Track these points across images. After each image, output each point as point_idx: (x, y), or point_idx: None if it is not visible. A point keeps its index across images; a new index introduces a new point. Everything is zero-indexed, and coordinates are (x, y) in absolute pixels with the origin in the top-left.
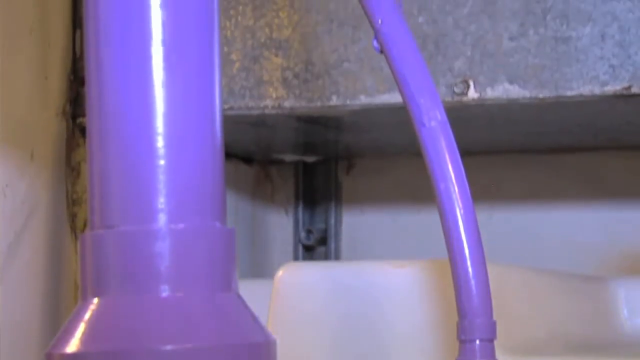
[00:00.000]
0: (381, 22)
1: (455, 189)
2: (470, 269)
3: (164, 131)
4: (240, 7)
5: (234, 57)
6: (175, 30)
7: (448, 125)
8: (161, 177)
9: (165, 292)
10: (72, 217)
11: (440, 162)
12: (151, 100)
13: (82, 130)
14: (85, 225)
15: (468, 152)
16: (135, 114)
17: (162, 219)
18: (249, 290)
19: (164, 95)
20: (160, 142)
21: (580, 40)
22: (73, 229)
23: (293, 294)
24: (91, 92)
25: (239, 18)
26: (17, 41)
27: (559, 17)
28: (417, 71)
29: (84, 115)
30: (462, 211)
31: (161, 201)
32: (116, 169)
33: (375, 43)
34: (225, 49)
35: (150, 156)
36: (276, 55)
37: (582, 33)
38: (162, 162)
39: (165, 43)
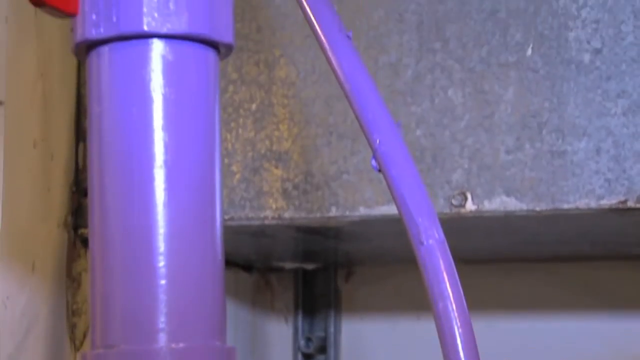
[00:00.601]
0: (379, 142)
1: (454, 308)
2: None
3: (164, 251)
4: (241, 120)
5: (234, 168)
6: (176, 151)
7: (446, 244)
8: (162, 297)
9: None
10: (72, 327)
11: (439, 281)
12: (152, 220)
13: (84, 241)
14: (84, 336)
15: (467, 261)
16: (137, 234)
17: (162, 338)
18: None
19: (165, 215)
20: (161, 262)
21: (576, 155)
22: (72, 339)
23: None
24: (93, 213)
25: (240, 130)
26: (22, 155)
27: (554, 132)
28: (415, 190)
29: (85, 226)
30: (460, 330)
31: (162, 320)
32: (117, 289)
33: (373, 162)
34: (226, 160)
35: (151, 276)
36: (276, 167)
37: (578, 147)
38: (163, 281)
39: (167, 164)
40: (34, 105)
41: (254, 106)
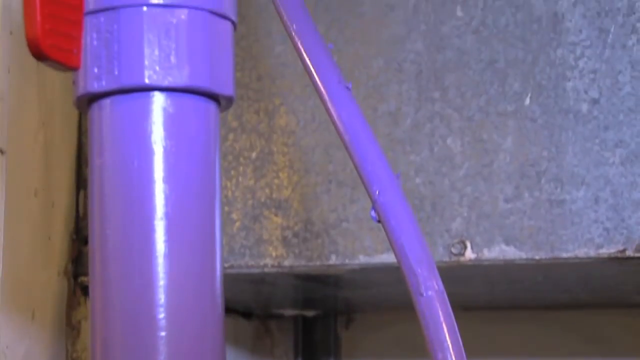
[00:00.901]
0: (378, 193)
1: None
2: None
3: (165, 302)
4: (241, 168)
5: (234, 216)
6: (177, 204)
7: (445, 295)
8: (162, 349)
9: None
10: None
11: (438, 332)
12: (153, 272)
13: (84, 289)
14: None
15: (466, 308)
16: (137, 285)
17: None
18: None
19: (165, 267)
20: (161, 314)
21: (575, 203)
22: None
23: None
24: (94, 264)
25: (240, 178)
26: (23, 203)
27: (553, 181)
28: (415, 242)
29: (85, 274)
30: None
31: None
32: (117, 339)
33: (373, 213)
34: (226, 208)
35: (151, 328)
36: (276, 215)
37: (577, 196)
38: (162, 333)
39: (167, 216)
40: (35, 153)
41: (254, 154)
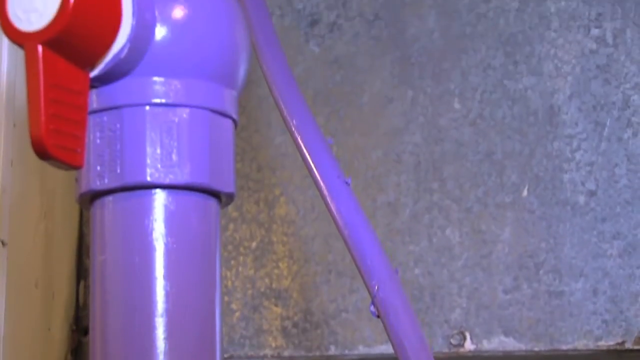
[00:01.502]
0: (378, 288)
1: None
2: None
3: None
4: (241, 258)
5: (234, 306)
6: (177, 300)
7: None
8: None
9: None
10: None
11: None
12: None
13: None
14: None
15: None
16: None
17: None
18: None
19: None
20: None
21: (573, 295)
22: None
23: None
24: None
25: (240, 268)
26: (24, 295)
27: (551, 272)
28: (414, 338)
29: None
30: None
31: None
32: None
33: (372, 308)
34: (226, 298)
35: None
36: (276, 305)
37: (575, 288)
38: None
39: (167, 313)
40: (37, 245)
41: (254, 244)
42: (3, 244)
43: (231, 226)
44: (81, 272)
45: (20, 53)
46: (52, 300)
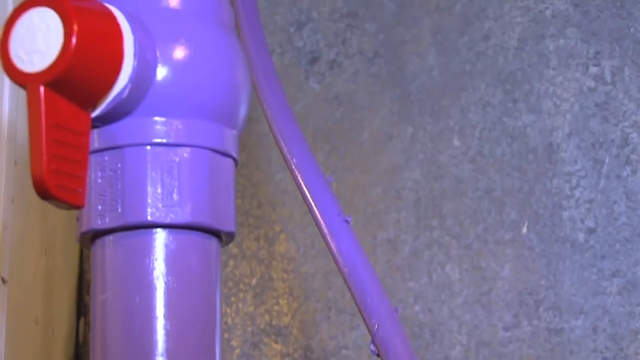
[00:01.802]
0: (378, 327)
1: None
2: None
3: None
4: (241, 294)
5: (234, 343)
6: (177, 339)
7: None
8: None
9: None
10: None
11: None
12: None
13: None
14: None
15: None
16: None
17: None
18: None
19: None
20: None
21: (573, 332)
22: None
23: None
24: None
25: (240, 305)
26: (24, 332)
27: (551, 309)
28: None
29: None
30: None
31: None
32: None
33: (372, 347)
34: (226, 335)
35: None
36: (276, 342)
37: (575, 325)
38: None
39: (168, 352)
40: (37, 281)
41: (254, 281)
42: (3, 281)
43: (231, 262)
44: (81, 308)
45: (21, 91)
46: (52, 336)
